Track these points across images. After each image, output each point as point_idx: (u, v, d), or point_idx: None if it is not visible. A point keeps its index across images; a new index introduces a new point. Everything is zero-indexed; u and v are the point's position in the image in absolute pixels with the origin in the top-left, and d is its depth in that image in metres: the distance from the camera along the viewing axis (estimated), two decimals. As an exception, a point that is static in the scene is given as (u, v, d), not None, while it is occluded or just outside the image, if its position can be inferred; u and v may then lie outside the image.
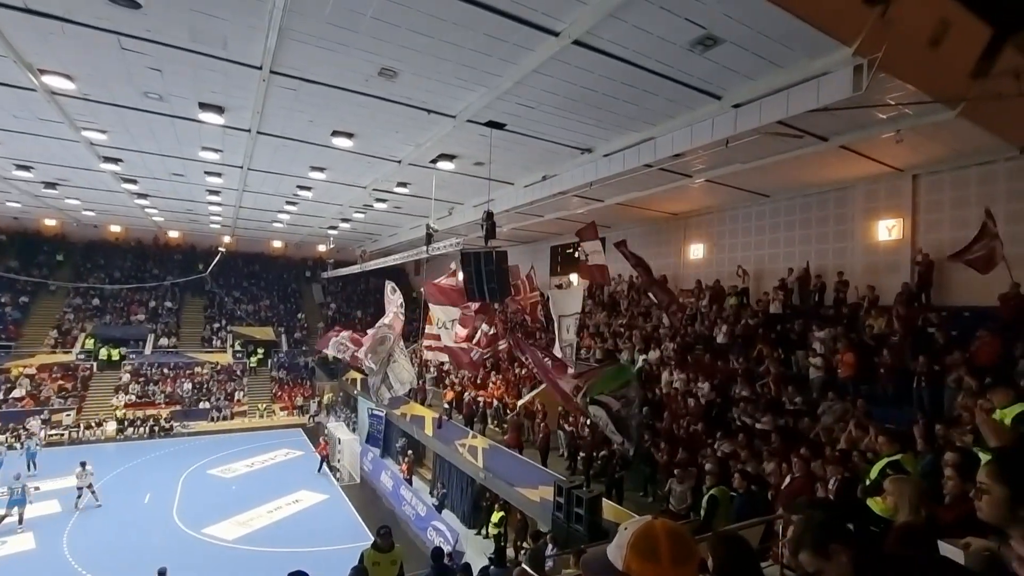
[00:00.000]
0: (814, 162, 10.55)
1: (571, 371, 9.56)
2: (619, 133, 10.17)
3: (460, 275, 13.11)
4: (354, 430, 24.33)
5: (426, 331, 15.32)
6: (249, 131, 11.26)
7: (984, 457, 3.35)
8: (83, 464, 16.35)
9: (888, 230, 11.66)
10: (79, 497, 16.12)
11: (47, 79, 9.13)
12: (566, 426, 12.88)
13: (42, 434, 21.99)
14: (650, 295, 14.07)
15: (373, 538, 7.84)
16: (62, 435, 23.11)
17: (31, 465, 18.74)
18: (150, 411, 25.45)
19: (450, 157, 12.13)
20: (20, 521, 14.46)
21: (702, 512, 7.57)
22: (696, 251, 16.39)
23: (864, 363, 9.65)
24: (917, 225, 11.23)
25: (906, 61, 6.62)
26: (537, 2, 6.24)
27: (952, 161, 10.36)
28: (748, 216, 14.72)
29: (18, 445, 20.60)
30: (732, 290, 13.98)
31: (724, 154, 9.63)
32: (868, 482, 4.64)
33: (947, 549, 2.15)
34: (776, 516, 5.02)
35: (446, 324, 13.87)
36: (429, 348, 15.17)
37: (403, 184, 15.09)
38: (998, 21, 7.36)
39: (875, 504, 4.30)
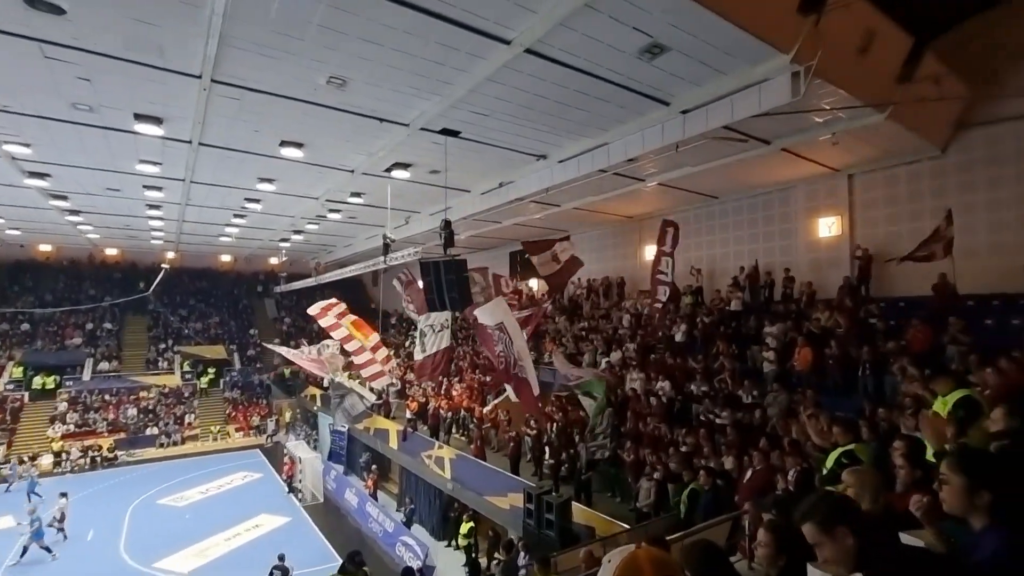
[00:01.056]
0: (758, 164, 11.00)
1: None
2: (573, 139, 10.30)
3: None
4: (315, 448, 23.52)
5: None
6: (190, 142, 10.74)
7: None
8: (63, 495, 15.76)
9: (828, 227, 12.30)
10: (60, 532, 15.38)
11: (-41, 90, 8.43)
12: (529, 431, 12.88)
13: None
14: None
15: (338, 558, 7.59)
16: (-10, 473, 21.23)
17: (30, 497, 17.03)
18: (91, 441, 23.78)
19: (405, 166, 11.96)
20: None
21: (682, 508, 7.70)
22: (651, 252, 16.72)
23: (815, 355, 10.10)
24: (854, 221, 11.89)
25: (838, 68, 7.02)
26: (488, 11, 6.24)
27: (883, 161, 11.03)
28: (699, 217, 15.21)
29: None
30: (687, 289, 14.38)
31: (674, 158, 9.93)
32: (825, 472, 4.82)
33: (907, 539, 2.24)
34: (742, 512, 5.15)
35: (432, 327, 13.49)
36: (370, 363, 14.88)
37: (357, 194, 14.77)
38: (917, 31, 7.94)
39: (832, 493, 4.47)
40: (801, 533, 2.67)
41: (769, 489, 6.44)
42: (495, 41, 6.82)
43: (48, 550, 14.35)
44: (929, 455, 3.36)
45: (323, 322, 15.39)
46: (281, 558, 11.65)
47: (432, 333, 13.48)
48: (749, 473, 7.04)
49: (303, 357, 17.12)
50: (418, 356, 13.89)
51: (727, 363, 11.10)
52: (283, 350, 15.75)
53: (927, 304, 9.74)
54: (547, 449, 11.93)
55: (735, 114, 7.63)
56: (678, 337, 12.98)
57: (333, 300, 15.93)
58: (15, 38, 6.90)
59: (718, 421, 9.83)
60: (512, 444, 12.55)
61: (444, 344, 13.32)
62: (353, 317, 15.43)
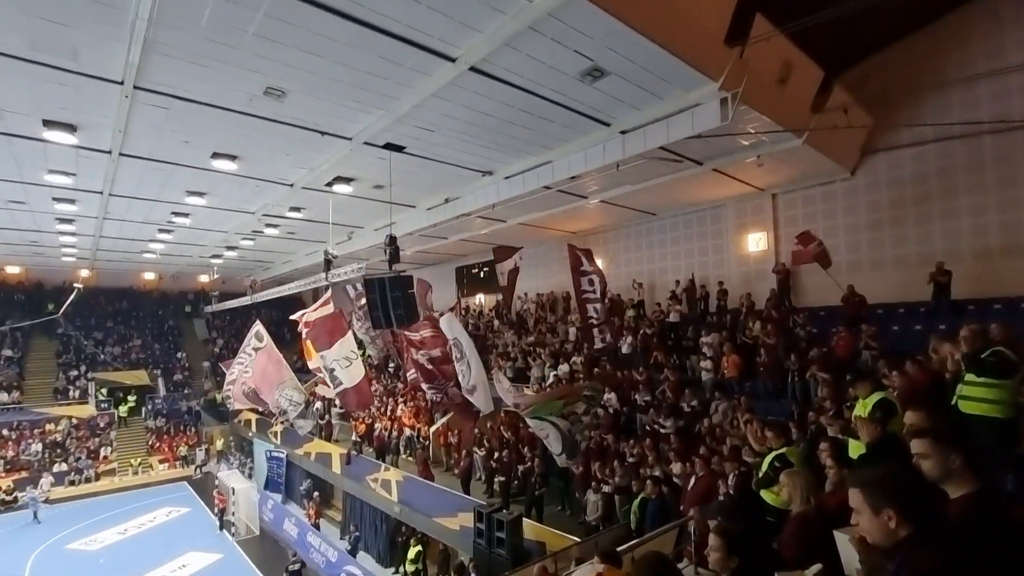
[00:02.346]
0: (692, 183, 11.62)
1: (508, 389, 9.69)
2: (518, 156, 10.46)
3: (331, 305, 12.64)
4: (250, 477, 22.10)
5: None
6: (110, 152, 9.99)
7: (853, 443, 3.80)
8: None
9: (756, 242, 13.13)
10: None
11: None
12: (479, 451, 12.73)
13: None
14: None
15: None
16: None
17: None
18: (-16, 482, 21.17)
19: (347, 180, 11.68)
20: None
21: (632, 518, 7.82)
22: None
23: (746, 363, 10.67)
24: (779, 237, 12.76)
25: (762, 96, 7.60)
26: (433, 28, 6.26)
27: (802, 182, 11.95)
28: (640, 233, 15.81)
29: None
30: (629, 303, 14.84)
31: (615, 176, 10.29)
32: (760, 474, 5.06)
33: (840, 538, 2.37)
34: (688, 519, 5.30)
35: (340, 361, 12.34)
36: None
37: (296, 208, 14.23)
38: (828, 64, 8.73)
39: (769, 495, 4.70)
40: (750, 533, 2.78)
41: (713, 495, 6.67)
42: (440, 58, 6.86)
43: None
44: (853, 452, 3.61)
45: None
46: None
47: (341, 368, 12.34)
48: (693, 480, 7.28)
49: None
50: (329, 394, 12.98)
51: (669, 373, 11.51)
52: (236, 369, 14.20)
53: (842, 313, 10.56)
54: (495, 466, 11.82)
55: (671, 136, 8.06)
56: (624, 349, 13.32)
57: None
58: (-100, 34, 6.20)
59: (662, 430, 10.13)
60: (464, 466, 12.34)
61: (360, 375, 12.40)
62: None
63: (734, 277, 13.37)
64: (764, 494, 5.09)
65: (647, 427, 10.59)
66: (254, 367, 13.68)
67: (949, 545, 1.66)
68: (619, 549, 4.64)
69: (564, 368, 13.74)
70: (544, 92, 7.76)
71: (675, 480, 8.26)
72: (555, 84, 7.52)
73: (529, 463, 10.97)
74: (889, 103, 10.52)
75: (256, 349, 13.82)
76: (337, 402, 16.96)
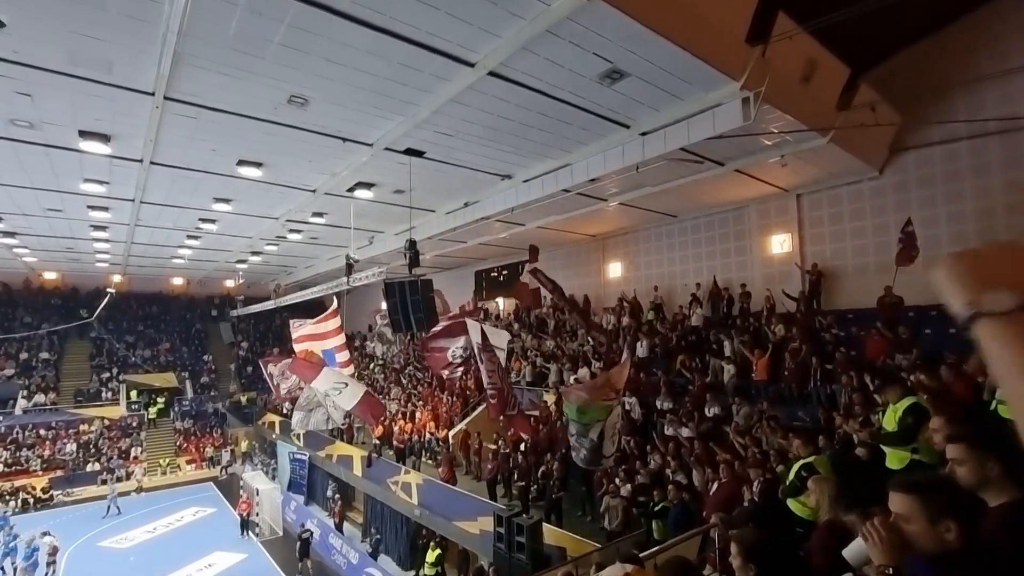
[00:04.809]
0: (714, 185, 11.46)
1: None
2: (537, 160, 10.47)
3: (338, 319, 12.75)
4: (274, 478, 22.49)
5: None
6: (141, 161, 10.32)
7: (889, 451, 3.69)
8: (46, 533, 15.36)
9: (780, 244, 12.87)
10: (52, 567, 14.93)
11: None
12: (497, 448, 12.72)
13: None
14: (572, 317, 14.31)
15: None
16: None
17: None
18: (23, 481, 21.95)
19: (368, 185, 11.84)
20: None
21: (654, 524, 7.72)
22: (615, 270, 17.11)
23: (772, 366, 10.46)
24: (803, 238, 12.50)
25: (785, 95, 7.46)
26: (452, 34, 6.32)
27: (827, 181, 11.69)
28: (659, 235, 15.65)
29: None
30: (649, 306, 14.70)
31: (635, 178, 10.22)
32: (787, 483, 4.95)
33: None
34: (711, 525, 5.21)
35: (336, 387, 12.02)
36: None
37: (319, 214, 14.48)
38: (854, 62, 8.54)
39: (795, 504, 4.58)
40: (768, 542, 2.73)
41: (736, 501, 6.55)
42: (459, 63, 6.91)
43: None
44: (891, 463, 3.50)
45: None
46: None
47: (331, 404, 12.04)
48: (715, 486, 7.15)
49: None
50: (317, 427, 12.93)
51: (692, 377, 11.35)
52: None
53: (873, 316, 10.27)
54: (513, 471, 11.78)
55: (691, 137, 7.96)
56: (640, 353, 13.19)
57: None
58: (-52, 51, 6.51)
59: (684, 435, 9.98)
60: (490, 469, 12.32)
61: (360, 396, 12.04)
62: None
63: (757, 279, 13.13)
64: (791, 503, 4.98)
65: (667, 431, 10.44)
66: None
67: (995, 560, 1.62)
68: (642, 555, 4.58)
69: (584, 372, 13.66)
70: (563, 95, 7.76)
71: (697, 486, 8.13)
72: (574, 87, 7.51)
73: (547, 467, 10.91)
74: (919, 100, 10.23)
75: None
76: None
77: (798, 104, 7.82)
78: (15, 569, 14.42)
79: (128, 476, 23.78)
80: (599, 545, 8.60)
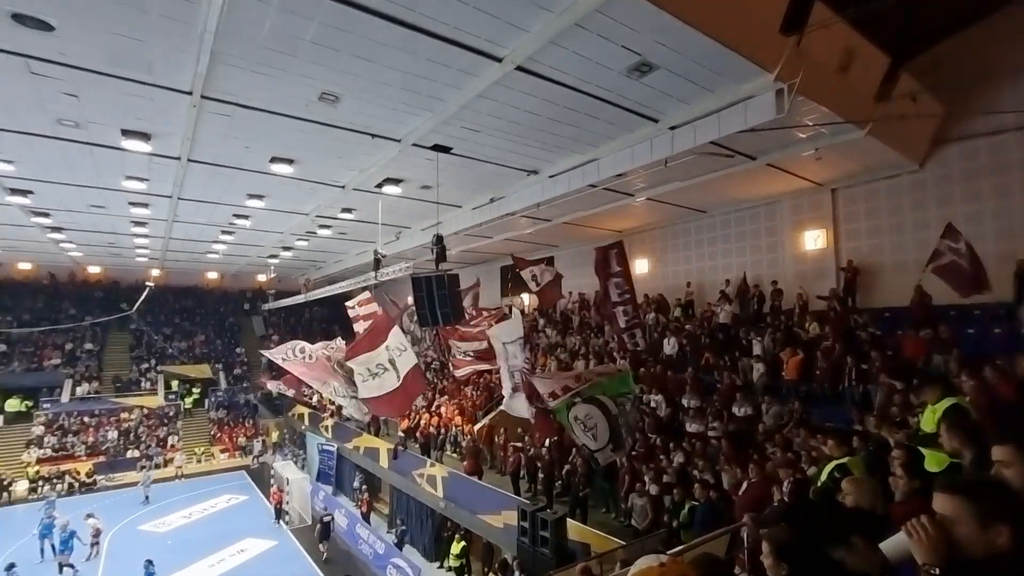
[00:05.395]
0: (745, 179, 11.21)
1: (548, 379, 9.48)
2: (563, 155, 10.42)
3: (374, 305, 12.88)
4: (303, 468, 23.06)
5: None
6: (179, 159, 10.68)
7: (928, 453, 3.57)
8: (90, 515, 16.33)
9: (814, 240, 12.51)
10: (95, 548, 15.90)
11: (-59, 106, 8.32)
12: (521, 445, 12.74)
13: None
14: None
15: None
16: (-39, 501, 20.48)
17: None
18: (68, 465, 23.05)
19: (396, 181, 11.99)
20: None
21: (677, 522, 7.66)
22: (641, 266, 16.90)
23: (804, 366, 10.21)
24: (838, 234, 12.12)
25: (820, 86, 7.23)
26: (479, 29, 6.33)
27: (864, 175, 11.30)
28: (687, 231, 15.40)
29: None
30: (677, 302, 14.48)
31: (663, 173, 10.07)
32: (819, 484, 4.83)
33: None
34: (740, 524, 5.13)
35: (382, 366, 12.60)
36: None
37: (348, 209, 14.74)
38: (894, 51, 8.22)
39: (828, 506, 4.46)
40: (800, 541, 2.67)
41: (766, 501, 6.43)
42: (486, 58, 6.93)
43: (71, 566, 14.68)
44: (930, 465, 3.38)
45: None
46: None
47: (389, 370, 12.42)
48: (745, 485, 7.03)
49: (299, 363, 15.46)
50: (370, 393, 12.96)
51: (724, 375, 11.16)
52: (280, 355, 14.61)
53: (910, 315, 9.91)
54: (537, 465, 11.80)
55: (722, 130, 7.78)
56: (667, 350, 13.02)
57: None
58: (2, 54, 6.84)
59: (711, 434, 9.83)
60: (513, 462, 12.38)
61: (411, 364, 12.44)
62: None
63: (789, 276, 12.80)
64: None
65: (694, 429, 10.30)
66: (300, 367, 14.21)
67: None
68: (669, 553, 4.54)
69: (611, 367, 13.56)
70: (590, 89, 7.70)
71: (725, 485, 8.01)
72: (601, 80, 7.45)
73: (572, 463, 10.89)
74: (964, 90, 9.79)
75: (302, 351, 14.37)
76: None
77: (834, 95, 7.57)
78: (53, 549, 15.05)
79: (165, 463, 24.71)
80: (623, 542, 8.58)
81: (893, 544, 2.00)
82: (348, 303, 14.18)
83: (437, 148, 9.96)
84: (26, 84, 7.65)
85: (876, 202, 11.48)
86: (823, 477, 5.02)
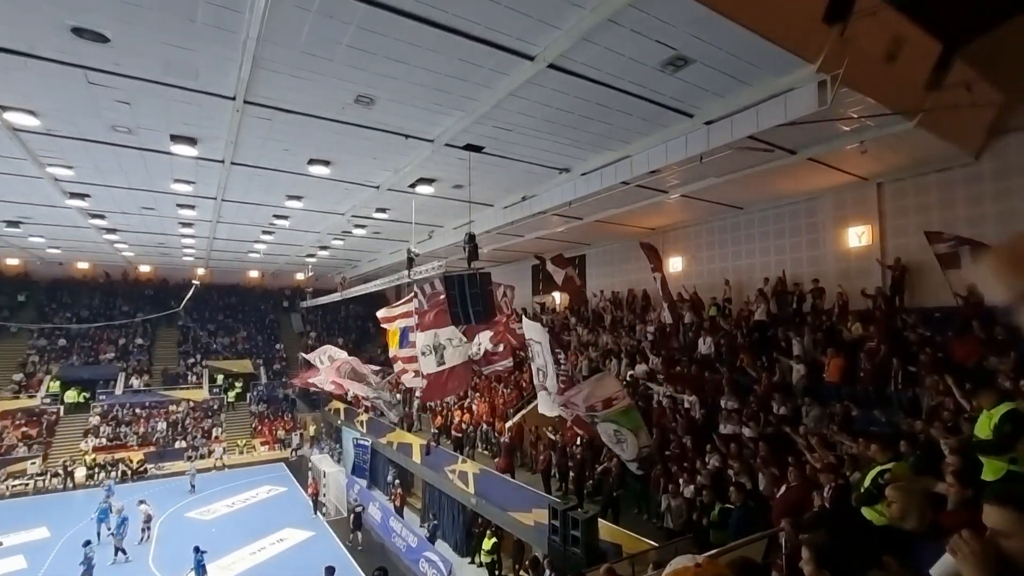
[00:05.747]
0: (784, 174, 10.86)
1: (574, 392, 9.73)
2: (596, 152, 10.34)
3: (413, 304, 13.16)
4: (339, 461, 23.66)
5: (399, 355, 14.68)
6: (223, 162, 11.11)
7: (985, 460, 3.40)
8: (142, 501, 17.38)
9: (858, 236, 12.01)
10: (146, 532, 16.89)
11: (9, 116, 8.92)
12: (554, 437, 12.75)
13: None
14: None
15: (363, 574, 7.57)
16: (27, 484, 21.90)
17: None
18: (122, 454, 24.36)
19: (429, 181, 12.15)
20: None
21: (705, 523, 7.53)
22: (675, 264, 16.60)
23: (846, 367, 9.84)
24: (885, 231, 11.60)
25: (866, 76, 6.94)
26: (511, 28, 6.35)
27: (913, 169, 10.77)
28: (724, 228, 15.03)
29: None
30: (712, 301, 14.16)
31: (698, 169, 9.86)
32: (862, 490, 4.65)
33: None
34: (778, 529, 4.99)
35: (439, 345, 13.26)
36: (403, 373, 14.44)
37: (382, 209, 15.02)
38: (947, 37, 7.80)
39: (871, 513, 4.30)
40: (842, 547, 2.59)
41: (804, 506, 6.23)
42: (518, 57, 6.94)
43: (123, 551, 15.56)
44: (986, 473, 3.22)
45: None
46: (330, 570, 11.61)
47: (451, 347, 13.16)
48: (783, 489, 6.84)
49: (333, 373, 16.21)
50: (429, 369, 13.43)
51: (757, 374, 10.87)
52: (315, 360, 15.17)
53: (960, 315, 9.41)
54: (569, 465, 11.76)
55: (760, 124, 7.58)
56: (703, 349, 12.75)
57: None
58: (63, 66, 7.28)
59: (747, 435, 9.59)
60: (543, 460, 12.40)
61: (460, 360, 13.09)
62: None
63: (831, 274, 12.33)
64: (865, 512, 4.67)
65: (729, 431, 10.06)
66: (333, 370, 14.66)
67: None
68: (705, 555, 4.46)
69: (642, 368, 13.41)
70: (623, 85, 7.61)
71: (761, 488, 7.81)
72: (635, 76, 7.35)
73: (606, 463, 10.81)
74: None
75: (331, 359, 14.84)
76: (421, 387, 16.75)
77: (881, 85, 7.24)
78: (110, 533, 15.96)
79: (209, 454, 25.79)
80: (655, 544, 8.47)
81: (942, 567, 1.91)
82: (380, 312, 14.37)
83: (469, 147, 10.04)
84: (84, 93, 8.11)
85: (926, 197, 10.93)
86: (866, 483, 4.83)
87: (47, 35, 6.57)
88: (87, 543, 14.31)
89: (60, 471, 22.52)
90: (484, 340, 13.25)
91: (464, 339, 13.08)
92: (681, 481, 9.13)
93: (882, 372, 9.35)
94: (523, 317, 13.57)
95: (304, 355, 18.69)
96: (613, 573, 6.15)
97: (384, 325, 14.36)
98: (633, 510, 10.39)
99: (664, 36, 6.37)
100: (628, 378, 13.58)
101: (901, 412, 8.41)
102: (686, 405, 11.39)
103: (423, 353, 12.68)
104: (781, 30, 6.12)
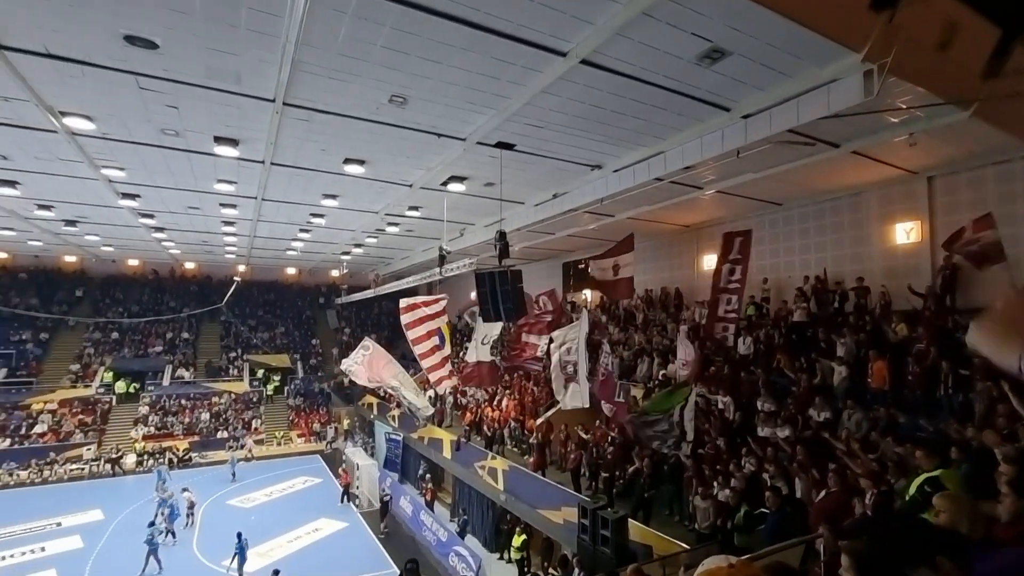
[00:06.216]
0: (826, 169, 10.47)
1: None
2: (628, 148, 10.21)
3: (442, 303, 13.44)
4: (372, 455, 24.17)
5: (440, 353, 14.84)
6: (263, 162, 11.47)
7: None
8: (185, 489, 18.36)
9: (906, 233, 11.48)
10: (190, 518, 17.83)
11: (68, 121, 9.42)
12: (584, 436, 12.69)
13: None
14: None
15: (394, 566, 7.71)
16: (82, 469, 23.23)
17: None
18: (168, 442, 25.55)
19: (461, 179, 12.24)
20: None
21: (733, 526, 7.37)
22: (710, 262, 16.19)
23: (891, 370, 9.42)
24: (935, 227, 11.04)
25: (916, 64, 6.59)
26: (544, 24, 6.33)
27: (967, 162, 10.21)
28: (761, 225, 14.57)
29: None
30: (751, 300, 13.74)
31: (735, 165, 9.61)
32: (907, 499, 4.46)
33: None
34: (816, 535, 4.83)
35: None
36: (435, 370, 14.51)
37: (414, 207, 15.23)
38: (1006, 21, 7.34)
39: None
40: (885, 555, 2.48)
41: (844, 512, 6.01)
42: (551, 54, 6.90)
43: (173, 533, 16.55)
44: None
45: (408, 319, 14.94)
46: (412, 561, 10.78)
47: (486, 344, 13.65)
48: (822, 494, 6.61)
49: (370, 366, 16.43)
50: (471, 358, 13.89)
51: (797, 377, 10.54)
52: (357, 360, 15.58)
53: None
54: (599, 464, 11.68)
55: (801, 117, 7.30)
56: (742, 350, 12.41)
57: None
58: (116, 72, 7.66)
59: (784, 438, 9.31)
60: (573, 459, 12.36)
61: (488, 357, 13.46)
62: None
63: (876, 273, 11.82)
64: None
65: (765, 434, 9.78)
66: (368, 365, 15.00)
67: None
68: (742, 558, 4.36)
69: (673, 367, 13.18)
70: (657, 79, 7.48)
71: (798, 493, 7.57)
72: (669, 70, 7.21)
73: (637, 464, 10.69)
74: (1094, 61, 8.59)
75: (365, 353, 15.19)
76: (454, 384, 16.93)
77: (933, 74, 6.87)
78: (163, 517, 16.84)
79: (242, 447, 26.83)
80: (687, 547, 8.33)
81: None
82: (403, 319, 14.45)
83: (501, 145, 10.06)
84: (135, 98, 8.52)
85: (982, 191, 10.35)
86: (912, 491, 4.63)
87: (102, 44, 6.92)
88: (152, 523, 15.19)
89: (112, 457, 23.79)
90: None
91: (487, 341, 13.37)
92: (716, 484, 8.94)
93: (931, 375, 8.92)
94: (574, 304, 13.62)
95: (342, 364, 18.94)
96: (641, 573, 6.08)
97: (408, 320, 14.33)
98: (665, 511, 10.25)
99: (700, 28, 6.23)
100: (660, 377, 13.39)
101: (951, 418, 7.99)
102: (720, 406, 11.14)
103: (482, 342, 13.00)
104: (824, 19, 5.88)
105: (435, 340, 13.50)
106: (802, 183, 11.70)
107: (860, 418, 8.78)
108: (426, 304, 13.68)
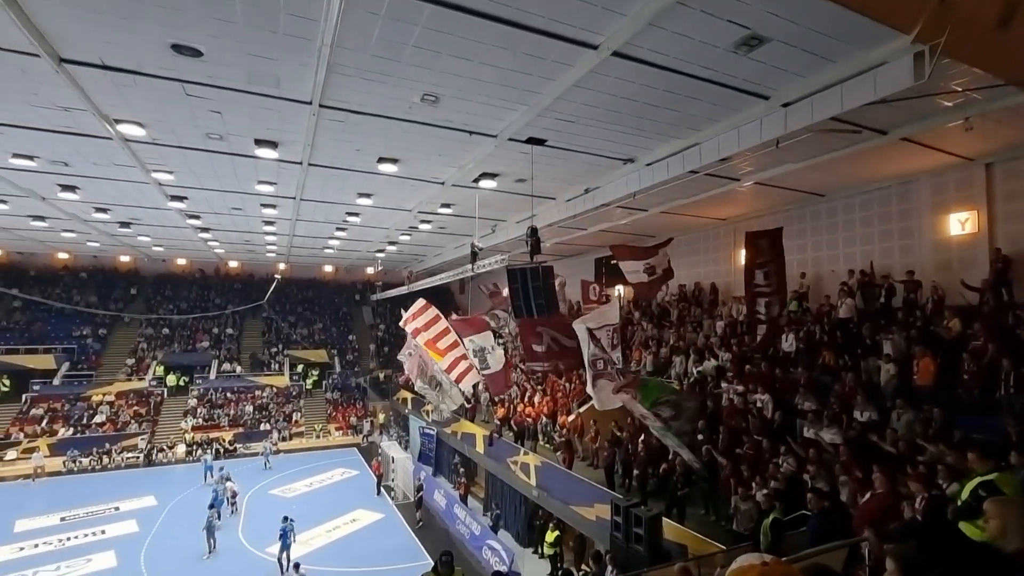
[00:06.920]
0: (873, 157, 10.02)
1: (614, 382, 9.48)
2: (662, 141, 10.02)
3: (433, 312, 13.36)
4: (406, 449, 24.63)
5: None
6: (301, 163, 11.81)
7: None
8: (228, 479, 19.19)
9: (961, 224, 10.88)
10: (233, 507, 18.50)
11: (121, 128, 9.94)
12: (619, 433, 12.57)
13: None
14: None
15: (428, 557, 7.86)
16: (137, 458, 24.57)
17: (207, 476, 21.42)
18: (215, 433, 26.72)
19: (492, 176, 12.29)
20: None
21: (761, 531, 7.18)
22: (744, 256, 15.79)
23: (943, 368, 8.96)
24: (994, 217, 10.42)
25: (972, 44, 6.17)
26: (575, 18, 6.27)
27: (1030, 147, 9.59)
28: (802, 217, 14.10)
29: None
30: (793, 295, 13.29)
31: (774, 155, 9.28)
32: (960, 503, 4.23)
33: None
34: (862, 539, 4.65)
35: (487, 349, 13.38)
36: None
37: (447, 205, 15.39)
38: (1075, -6, 6.83)
39: (968, 528, 3.92)
40: (928, 561, 2.37)
41: (890, 516, 5.77)
42: (582, 47, 6.83)
43: (219, 515, 17.10)
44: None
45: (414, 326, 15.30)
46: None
47: (490, 353, 13.27)
48: (867, 496, 6.36)
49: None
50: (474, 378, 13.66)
51: (842, 376, 10.14)
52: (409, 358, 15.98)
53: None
54: (632, 461, 11.55)
55: (845, 104, 6.97)
56: (785, 347, 12.01)
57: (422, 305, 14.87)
58: (165, 80, 8.02)
59: (827, 439, 8.98)
60: (606, 456, 12.28)
61: (502, 362, 13.34)
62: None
63: (927, 266, 11.26)
64: (963, 526, 4.25)
65: (807, 434, 9.47)
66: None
67: None
68: (784, 559, 4.25)
69: (710, 364, 12.91)
70: (692, 69, 7.30)
71: (843, 496, 7.30)
72: (705, 60, 7.03)
73: (671, 462, 10.53)
74: None
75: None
76: (481, 385, 17.60)
77: (991, 54, 6.39)
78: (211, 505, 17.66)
79: (291, 437, 27.76)
80: (723, 547, 8.16)
81: None
82: (402, 323, 14.60)
83: (531, 141, 10.04)
84: (182, 105, 8.91)
85: (1047, 178, 9.71)
86: (964, 495, 4.39)
87: (151, 53, 7.26)
88: (211, 506, 16.12)
89: (164, 446, 25.10)
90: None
91: (494, 349, 13.27)
92: (754, 484, 8.72)
93: (989, 374, 8.43)
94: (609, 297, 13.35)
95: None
96: (688, 572, 5.98)
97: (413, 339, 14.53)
98: (700, 511, 10.07)
99: (736, 15, 6.04)
100: (696, 374, 13.14)
101: (1011, 419, 7.54)
102: (758, 404, 10.85)
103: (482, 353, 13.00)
104: (870, 0, 5.61)
105: (442, 343, 13.55)
106: (846, 173, 11.24)
107: (911, 419, 8.39)
108: (414, 316, 13.84)
